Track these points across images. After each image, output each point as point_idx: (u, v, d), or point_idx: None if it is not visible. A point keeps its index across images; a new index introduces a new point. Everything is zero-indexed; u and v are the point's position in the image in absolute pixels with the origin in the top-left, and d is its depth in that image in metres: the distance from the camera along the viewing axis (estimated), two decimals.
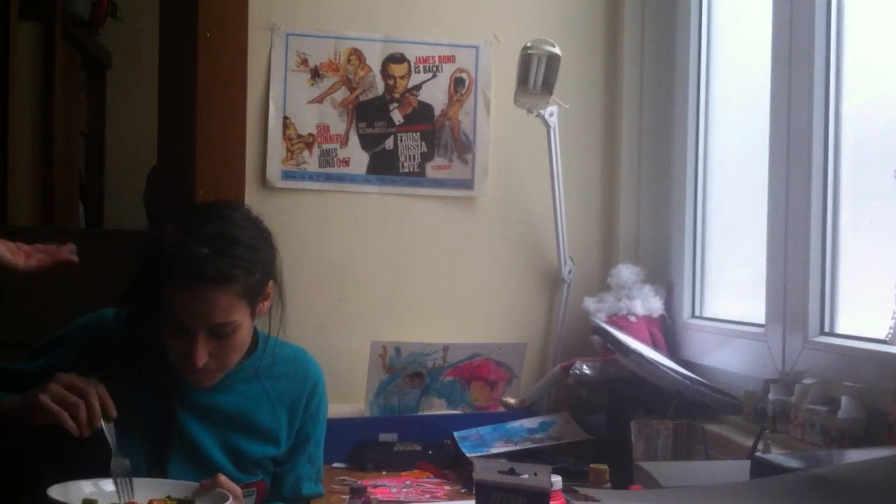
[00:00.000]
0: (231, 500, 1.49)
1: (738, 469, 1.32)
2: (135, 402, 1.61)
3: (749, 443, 1.63)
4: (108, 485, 1.49)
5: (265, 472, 1.73)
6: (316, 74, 2.40)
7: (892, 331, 1.54)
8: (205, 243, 1.55)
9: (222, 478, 1.52)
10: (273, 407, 1.73)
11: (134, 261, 1.70)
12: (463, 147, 2.44)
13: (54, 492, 1.40)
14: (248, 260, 1.60)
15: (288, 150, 2.39)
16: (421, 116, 2.43)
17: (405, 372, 2.29)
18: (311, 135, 2.40)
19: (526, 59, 2.24)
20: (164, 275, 1.56)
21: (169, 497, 1.50)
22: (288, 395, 1.75)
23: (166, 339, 1.60)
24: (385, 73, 2.42)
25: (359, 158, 2.42)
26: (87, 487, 1.47)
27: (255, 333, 1.74)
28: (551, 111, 2.31)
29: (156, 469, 1.61)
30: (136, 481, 1.51)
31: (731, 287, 2.24)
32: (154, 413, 1.64)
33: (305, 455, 1.77)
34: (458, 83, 2.44)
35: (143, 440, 1.62)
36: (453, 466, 2.07)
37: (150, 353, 1.65)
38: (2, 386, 1.59)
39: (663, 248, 2.41)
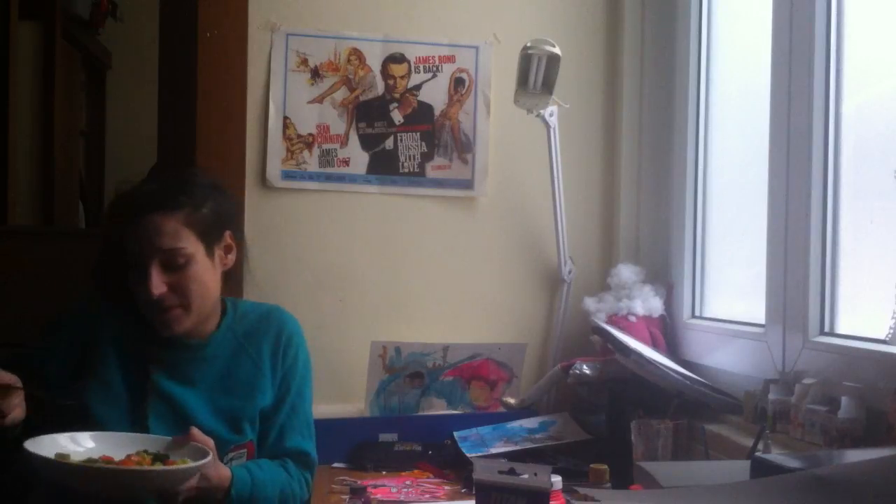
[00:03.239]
0: (211, 455, 1.52)
1: (738, 469, 1.32)
2: (115, 373, 1.68)
3: (749, 443, 1.63)
4: (85, 439, 1.51)
5: (256, 432, 1.77)
6: (316, 74, 2.40)
7: (892, 331, 1.54)
8: (154, 184, 1.70)
9: (196, 431, 1.57)
10: (254, 362, 1.78)
11: None
12: (463, 147, 2.44)
13: (30, 445, 1.41)
14: (195, 195, 1.70)
15: (288, 150, 2.39)
16: (421, 116, 2.43)
17: (405, 372, 2.29)
18: (311, 135, 2.40)
19: (526, 59, 2.24)
20: (116, 217, 1.67)
21: (145, 451, 1.51)
22: (266, 348, 1.80)
23: (133, 289, 1.67)
24: (385, 73, 2.42)
25: (359, 158, 2.42)
26: (63, 441, 1.48)
27: (223, 301, 1.80)
28: (551, 111, 2.31)
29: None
30: (108, 435, 1.55)
31: (731, 287, 2.24)
32: (131, 378, 1.69)
33: (288, 405, 1.80)
34: (458, 83, 2.44)
35: (123, 407, 1.67)
36: (453, 466, 2.07)
37: (131, 327, 1.71)
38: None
39: (663, 248, 2.41)
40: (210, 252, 1.71)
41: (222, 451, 1.67)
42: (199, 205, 1.70)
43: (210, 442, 1.58)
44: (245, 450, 1.74)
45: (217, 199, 1.75)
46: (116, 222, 1.68)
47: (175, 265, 1.65)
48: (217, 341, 1.77)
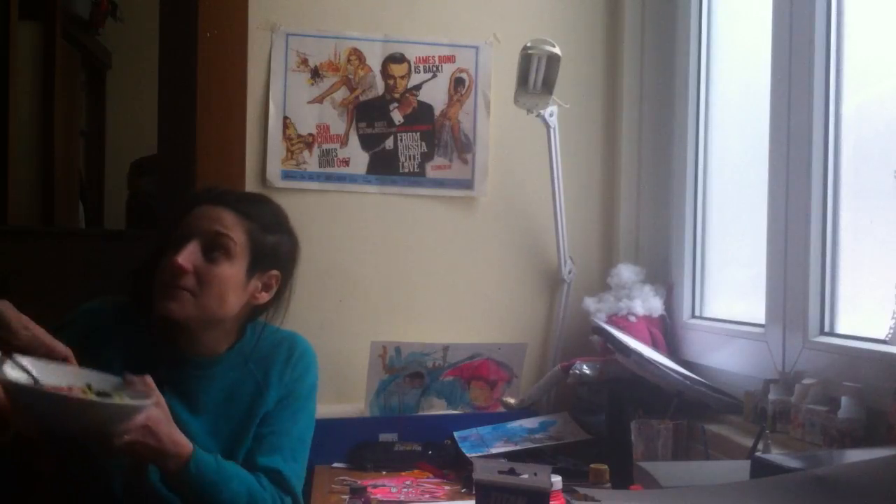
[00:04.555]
0: (152, 400, 1.46)
1: (738, 469, 1.32)
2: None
3: (749, 443, 1.63)
4: (28, 365, 1.38)
5: None
6: (316, 74, 2.40)
7: (892, 331, 1.54)
8: (235, 191, 1.77)
9: (149, 379, 1.50)
10: (259, 388, 1.74)
11: (133, 260, 1.73)
12: (463, 147, 2.44)
13: None
14: (270, 223, 1.72)
15: (288, 150, 2.39)
16: (421, 116, 2.43)
17: (405, 372, 2.29)
18: (311, 135, 2.40)
19: (526, 59, 2.24)
20: (185, 209, 1.68)
21: (88, 385, 1.43)
22: (274, 373, 1.77)
23: (161, 266, 1.64)
24: (385, 73, 2.42)
25: (359, 158, 2.42)
26: (6, 368, 1.35)
27: (246, 327, 1.77)
28: (551, 111, 2.31)
29: None
30: (56, 366, 1.42)
31: (731, 287, 2.24)
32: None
33: (275, 422, 1.74)
34: (458, 83, 2.44)
35: None
36: (453, 466, 2.07)
37: (142, 338, 1.68)
38: None
39: (663, 248, 2.41)
40: (250, 273, 1.68)
41: None
42: (267, 230, 1.71)
43: (160, 396, 1.49)
44: None
45: (285, 241, 1.76)
46: (184, 205, 1.70)
47: (211, 254, 1.64)
48: (226, 361, 1.73)
